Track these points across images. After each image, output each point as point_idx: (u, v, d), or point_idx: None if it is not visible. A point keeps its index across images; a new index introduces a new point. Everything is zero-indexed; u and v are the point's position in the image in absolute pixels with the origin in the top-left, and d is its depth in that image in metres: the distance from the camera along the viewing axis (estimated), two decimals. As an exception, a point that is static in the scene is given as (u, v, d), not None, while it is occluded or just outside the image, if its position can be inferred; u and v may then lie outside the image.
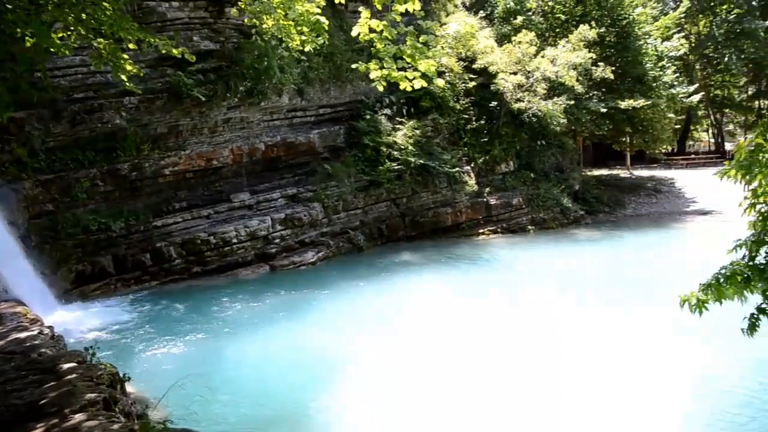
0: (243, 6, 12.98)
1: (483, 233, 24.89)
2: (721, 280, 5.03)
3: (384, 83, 10.12)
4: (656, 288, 13.49)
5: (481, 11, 31.26)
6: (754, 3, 46.66)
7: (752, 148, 4.91)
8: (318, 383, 9.99)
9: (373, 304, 14.86)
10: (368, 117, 23.94)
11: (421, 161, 23.44)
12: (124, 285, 16.75)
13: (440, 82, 10.57)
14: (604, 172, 39.71)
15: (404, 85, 9.84)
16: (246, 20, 14.97)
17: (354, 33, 9.58)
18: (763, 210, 4.91)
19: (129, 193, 17.88)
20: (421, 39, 10.26)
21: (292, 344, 12.01)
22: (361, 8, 9.55)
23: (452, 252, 21.53)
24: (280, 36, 14.80)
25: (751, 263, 4.95)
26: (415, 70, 9.74)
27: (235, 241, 18.95)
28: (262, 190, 21.35)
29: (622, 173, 39.93)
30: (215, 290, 16.54)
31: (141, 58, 15.52)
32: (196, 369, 10.09)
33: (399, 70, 9.97)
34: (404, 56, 9.78)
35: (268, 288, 16.72)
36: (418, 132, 24.31)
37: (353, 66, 11.23)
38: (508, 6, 30.86)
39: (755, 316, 5.05)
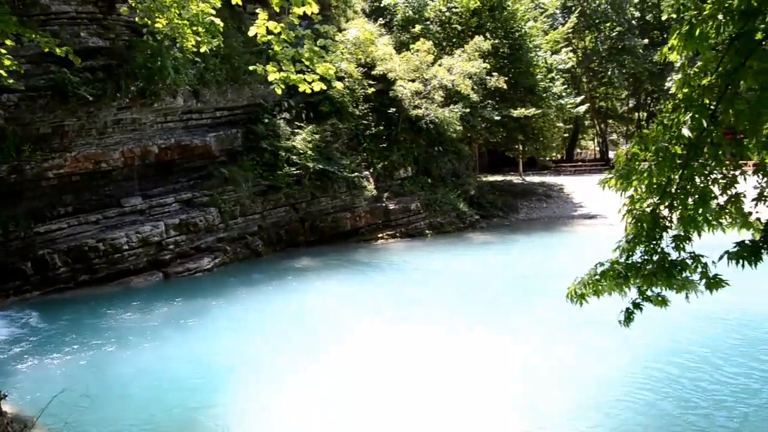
0: (133, 4, 12.53)
1: (382, 238, 25.22)
2: (597, 276, 5.40)
3: (282, 86, 10.11)
4: (546, 286, 14.24)
5: (381, 18, 31.75)
6: (633, 22, 49.92)
7: (629, 157, 5.31)
8: (212, 391, 9.77)
9: (270, 311, 14.70)
10: (267, 121, 23.66)
11: (321, 166, 23.43)
12: (2, 296, 15.70)
13: (339, 84, 10.69)
14: (499, 177, 41.22)
15: (303, 87, 9.85)
16: (137, 19, 14.47)
17: (251, 34, 9.50)
18: (637, 215, 5.30)
19: (8, 198, 16.74)
20: (319, 43, 10.31)
21: (185, 353, 11.67)
22: (258, 9, 9.49)
23: (351, 257, 21.65)
24: (174, 36, 14.41)
25: (628, 262, 5.34)
26: (314, 73, 9.79)
27: (126, 247, 18.16)
28: (156, 194, 20.62)
29: (515, 179, 41.58)
30: (104, 300, 15.80)
31: (22, 53, 14.61)
32: (81, 383, 9.61)
33: (298, 73, 9.99)
34: (302, 59, 9.81)
35: (162, 296, 16.16)
36: (317, 137, 24.29)
37: (251, 68, 11.12)
38: (407, 14, 31.52)
39: (630, 309, 5.46)
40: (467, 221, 28.25)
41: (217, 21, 12.09)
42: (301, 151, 23.29)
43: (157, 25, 13.50)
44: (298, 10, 9.37)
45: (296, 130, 24.24)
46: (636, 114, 57.82)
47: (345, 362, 10.85)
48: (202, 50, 13.09)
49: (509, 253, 22.53)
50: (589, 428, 7.93)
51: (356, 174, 24.84)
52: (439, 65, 28.24)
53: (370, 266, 20.09)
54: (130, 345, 12.09)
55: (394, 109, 27.38)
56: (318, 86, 9.30)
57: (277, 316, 14.24)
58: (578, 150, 69.78)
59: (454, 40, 32.53)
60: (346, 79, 26.00)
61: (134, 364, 11.06)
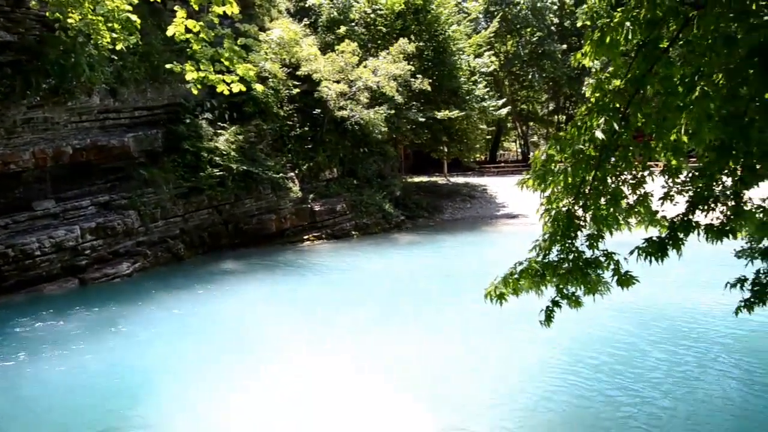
0: (44, -4, 11.97)
1: (308, 239, 25.05)
2: (516, 275, 5.53)
3: (200, 86, 9.88)
4: (470, 284, 14.46)
5: (306, 19, 31.54)
6: (553, 28, 51.68)
7: (545, 159, 5.46)
8: (132, 402, 9.40)
9: (192, 316, 14.31)
10: (188, 121, 23.05)
11: (245, 167, 23.03)
12: None
13: (259, 86, 10.52)
14: (424, 178, 41.75)
15: (221, 88, 9.66)
16: (48, 13, 13.83)
17: (169, 33, 9.24)
18: (554, 214, 5.46)
19: None
20: (240, 42, 10.14)
21: (102, 363, 11.16)
22: (177, 7, 9.25)
23: (277, 259, 21.39)
24: (88, 32, 13.86)
25: (545, 261, 5.49)
26: (234, 73, 9.62)
27: (38, 253, 17.23)
28: (71, 197, 19.68)
29: (440, 180, 42.22)
30: (14, 309, 14.96)
31: None
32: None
33: (217, 72, 9.78)
34: (222, 59, 9.62)
35: (77, 304, 15.45)
36: (241, 138, 23.87)
37: (168, 66, 10.81)
38: (332, 15, 31.45)
39: (550, 308, 5.61)
40: (393, 222, 28.47)
41: (134, 18, 11.72)
42: (225, 152, 22.82)
43: (69, 20, 12.95)
44: (218, 9, 9.20)
45: (219, 131, 23.74)
46: (556, 117, 59.87)
47: (271, 367, 10.69)
48: (118, 47, 12.66)
49: (435, 252, 22.83)
50: (514, 419, 8.11)
51: (281, 175, 24.56)
52: (364, 67, 28.31)
53: (297, 268, 19.91)
54: (42, 357, 11.49)
55: (320, 110, 27.27)
56: (237, 87, 9.13)
57: (200, 322, 13.88)
58: (501, 151, 71.66)
59: (379, 41, 32.70)
60: (271, 80, 25.71)
61: (47, 376, 10.52)
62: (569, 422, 8.09)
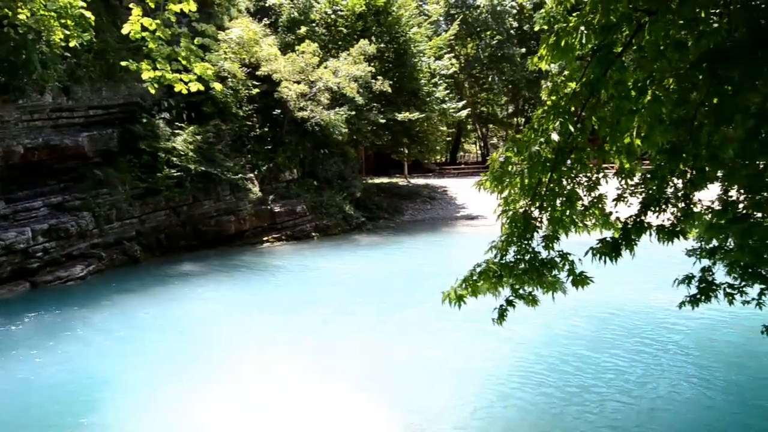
0: (-10, -9, 11.61)
1: (268, 241, 24.84)
2: (475, 276, 5.57)
3: (157, 85, 9.70)
4: (430, 285, 14.48)
5: (266, 18, 31.29)
6: (512, 32, 52.35)
7: (503, 160, 5.51)
8: (84, 410, 9.17)
9: (148, 320, 14.04)
10: (145, 121, 22.61)
11: (203, 168, 22.69)
12: None
13: (218, 86, 10.39)
14: (385, 180, 41.85)
15: (179, 88, 9.51)
16: (-4, 8, 13.39)
17: (125, 31, 9.05)
18: (511, 215, 5.52)
19: None
20: (197, 41, 10.00)
21: (53, 370, 10.82)
22: (132, 5, 9.06)
23: (236, 261, 21.16)
24: (39, 29, 13.50)
25: (502, 262, 5.54)
26: (192, 72, 9.48)
27: (-14, 256, 16.73)
28: (21, 198, 19.08)
29: (401, 181, 42.37)
30: (-40, 313, 14.47)
31: None
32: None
33: (174, 71, 9.62)
34: (179, 58, 9.47)
35: (28, 308, 14.98)
36: (199, 138, 23.53)
37: (123, 64, 10.59)
38: (292, 15, 31.27)
39: (504, 307, 5.67)
40: (353, 223, 28.45)
41: (88, 14, 11.45)
42: (182, 153, 22.46)
43: (20, 16, 12.58)
44: (175, 7, 9.06)
45: (177, 131, 23.34)
46: (515, 119, 60.67)
47: (231, 369, 10.56)
48: (72, 44, 12.33)
49: (395, 254, 22.88)
50: (475, 419, 8.18)
51: (240, 176, 24.30)
52: (325, 67, 28.23)
53: (256, 270, 19.73)
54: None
55: (279, 111, 27.07)
56: (195, 87, 8.99)
57: (157, 325, 13.63)
58: (461, 153, 72.32)
59: (339, 42, 32.64)
60: (230, 80, 25.42)
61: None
62: (529, 420, 8.19)
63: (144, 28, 8.98)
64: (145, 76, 9.31)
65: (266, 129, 26.98)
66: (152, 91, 9.67)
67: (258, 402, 9.07)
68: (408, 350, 11.27)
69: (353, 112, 28.75)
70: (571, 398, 8.80)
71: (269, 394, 9.40)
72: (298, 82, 26.97)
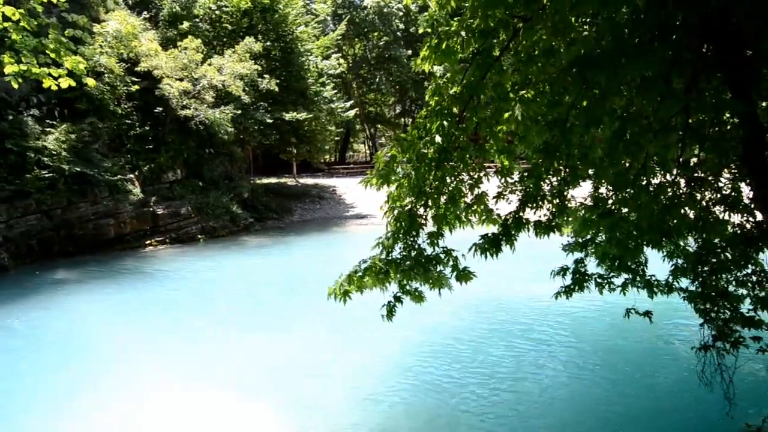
0: None
1: (150, 244, 23.82)
2: (360, 272, 5.59)
3: (21, 80, 9.02)
4: (319, 285, 14.41)
5: (145, 12, 29.93)
6: (399, 33, 53.26)
7: (388, 159, 5.58)
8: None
9: (20, 331, 13.04)
10: (11, 118, 20.96)
11: (78, 169, 21.35)
12: None
13: (91, 81, 9.78)
14: (273, 180, 41.33)
15: (48, 83, 8.89)
16: None
17: (-16, 21, 8.36)
18: (397, 213, 5.59)
19: None
20: (67, 33, 9.40)
21: None
22: (-10, -8, 8.37)
23: (116, 266, 20.11)
24: None
25: (388, 258, 5.60)
26: (62, 67, 8.89)
27: None
28: None
29: (290, 181, 42.03)
30: None
31: None
32: None
33: (42, 65, 8.97)
34: (47, 51, 8.84)
35: None
36: (73, 137, 22.12)
37: (-20, 56, 9.77)
38: (174, 10, 30.11)
39: (392, 303, 5.73)
40: (241, 224, 27.91)
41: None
42: (55, 153, 21.02)
43: None
44: (42, -4, 8.48)
45: (48, 129, 21.81)
46: (403, 119, 61.73)
47: (112, 381, 10.01)
48: None
49: (284, 255, 22.65)
50: (365, 418, 8.22)
51: (119, 177, 23.12)
52: (209, 65, 27.44)
53: (138, 275, 18.84)
54: None
55: (161, 109, 25.97)
56: (66, 82, 8.44)
57: (29, 338, 12.68)
58: (350, 153, 72.75)
59: (224, 39, 31.90)
60: (107, 75, 24.09)
61: None
62: (415, 416, 8.34)
63: (6, 18, 8.33)
64: (7, 70, 8.61)
65: (147, 128, 25.79)
66: (16, 86, 8.97)
67: (143, 411, 8.67)
68: (298, 351, 11.17)
69: (239, 111, 28.17)
70: (458, 393, 9.04)
71: (154, 402, 9.01)
72: (181, 79, 26.05)
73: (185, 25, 29.62)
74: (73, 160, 21.38)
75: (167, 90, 25.27)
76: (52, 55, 8.75)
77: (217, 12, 31.86)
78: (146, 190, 24.62)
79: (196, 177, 27.78)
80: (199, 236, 25.45)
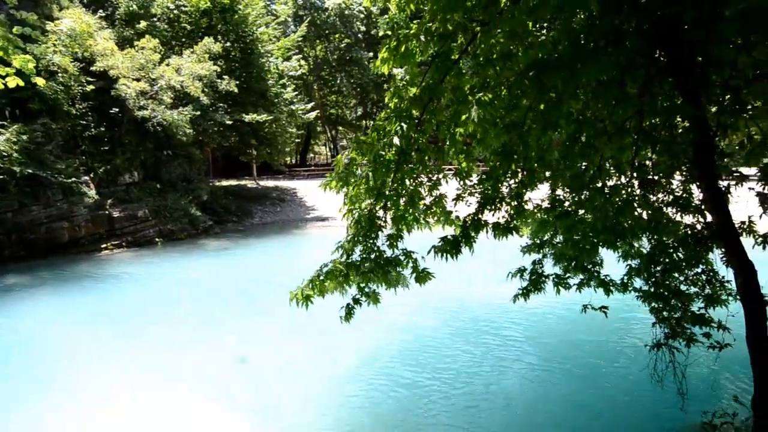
0: None
1: (107, 248, 23.30)
2: (321, 276, 5.57)
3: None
4: (279, 289, 14.32)
5: (101, 10, 29.27)
6: (360, 35, 53.29)
7: (347, 162, 5.57)
8: None
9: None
10: (-42, 117, 20.35)
11: (30, 170, 20.74)
12: None
13: (40, 80, 9.50)
14: (233, 182, 40.91)
15: (-7, 83, 8.61)
16: None
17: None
18: (357, 216, 5.58)
19: None
20: (15, 30, 9.13)
21: None
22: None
23: (70, 271, 19.61)
24: None
25: (348, 261, 5.59)
26: (10, 66, 8.62)
27: None
28: None
29: (250, 183, 41.64)
30: None
31: None
32: None
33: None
34: (-7, 48, 8.57)
35: None
36: (25, 137, 21.47)
37: None
38: (131, 9, 29.54)
39: (350, 305, 5.72)
40: (200, 227, 27.54)
41: None
42: (5, 154, 20.39)
43: None
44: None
45: (-2, 130, 21.19)
46: (364, 121, 61.73)
47: (72, 391, 9.75)
48: None
49: (244, 258, 22.41)
50: (330, 422, 8.19)
51: (74, 179, 22.55)
52: (167, 65, 26.98)
53: (93, 280, 18.41)
54: None
55: (118, 110, 25.42)
56: (13, 82, 8.19)
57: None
58: (311, 155, 72.47)
59: (183, 39, 31.43)
60: (60, 75, 23.49)
61: None
62: (384, 417, 8.34)
63: (-47, 15, 8.05)
64: (-50, 68, 8.33)
65: (103, 129, 25.20)
66: (-41, 85, 8.66)
67: (108, 420, 8.47)
68: (257, 355, 11.07)
69: (198, 112, 27.78)
70: (417, 395, 9.08)
71: (119, 410, 8.81)
72: (138, 80, 25.56)
73: (142, 24, 29.09)
74: (24, 161, 20.77)
75: (124, 90, 24.77)
76: (0, 53, 8.49)
77: (175, 11, 31.36)
78: (102, 193, 24.08)
79: (154, 179, 27.26)
80: (157, 239, 25.00)
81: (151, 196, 26.28)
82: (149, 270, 19.95)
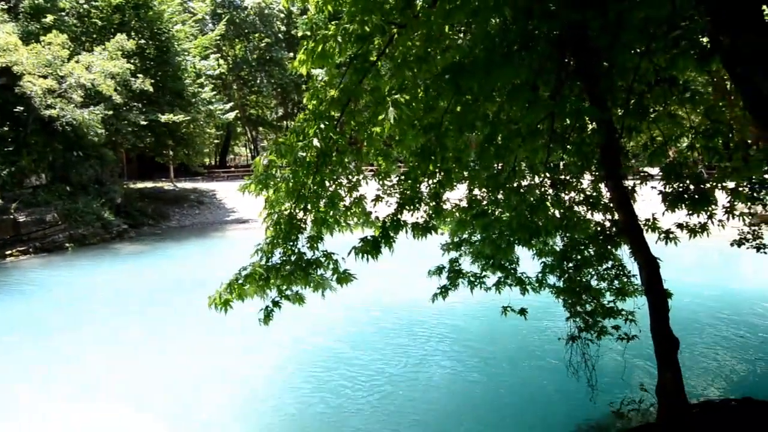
0: None
1: (12, 255, 22.05)
2: (240, 280, 5.47)
3: None
4: (197, 293, 13.96)
5: (3, 2, 27.71)
6: (280, 35, 52.73)
7: (266, 164, 5.49)
8: None
9: None
10: None
11: (-76, 172, 19.45)
12: None
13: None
14: (149, 184, 39.64)
15: None
16: None
17: None
18: (276, 218, 5.52)
19: None
20: None
21: None
22: None
23: (-30, 279, 18.47)
24: None
25: (268, 264, 5.51)
26: None
27: None
28: None
29: (167, 186, 40.38)
30: None
31: None
32: None
33: None
34: None
35: None
36: None
37: None
38: (37, 2, 28.08)
39: (269, 308, 5.65)
40: (114, 231, 26.51)
41: None
42: None
43: None
44: None
45: None
46: (285, 122, 61.11)
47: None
48: None
49: (160, 262, 21.74)
50: (254, 427, 8.07)
51: (-25, 182, 21.28)
52: (77, 62, 25.82)
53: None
54: None
55: (22, 108, 24.09)
56: None
57: None
58: (231, 156, 71.14)
59: (94, 35, 30.20)
60: (-43, 71, 22.10)
61: None
62: (311, 420, 8.30)
63: None
64: None
65: (6, 128, 23.86)
66: None
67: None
68: (176, 363, 10.76)
69: (110, 112, 26.73)
70: (347, 398, 9.08)
71: (33, 425, 8.36)
72: (45, 77, 24.32)
73: (49, 18, 27.67)
74: None
75: (29, 88, 23.52)
76: None
77: (85, 6, 30.05)
78: (6, 196, 22.79)
79: (63, 181, 26.01)
80: (68, 245, 23.87)
81: (61, 199, 25.07)
82: (59, 277, 19.03)
